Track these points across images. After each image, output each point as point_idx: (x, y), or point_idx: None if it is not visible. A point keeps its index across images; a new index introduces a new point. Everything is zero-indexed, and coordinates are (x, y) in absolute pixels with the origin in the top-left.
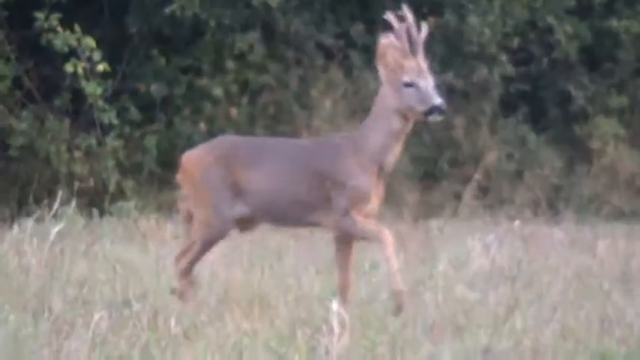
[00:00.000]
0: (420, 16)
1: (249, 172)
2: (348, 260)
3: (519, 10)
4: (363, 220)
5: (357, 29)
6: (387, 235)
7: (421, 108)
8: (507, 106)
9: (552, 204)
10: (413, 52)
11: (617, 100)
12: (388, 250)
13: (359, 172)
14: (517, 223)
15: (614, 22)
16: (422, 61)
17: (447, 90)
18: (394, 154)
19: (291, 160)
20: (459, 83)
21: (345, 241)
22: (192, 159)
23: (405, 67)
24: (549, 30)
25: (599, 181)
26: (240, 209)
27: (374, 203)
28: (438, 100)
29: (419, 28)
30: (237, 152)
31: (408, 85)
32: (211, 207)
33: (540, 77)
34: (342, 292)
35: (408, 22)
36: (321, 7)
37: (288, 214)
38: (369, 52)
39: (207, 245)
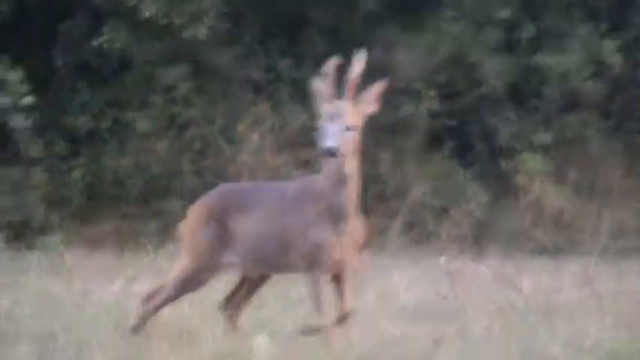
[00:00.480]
0: (349, 51)
1: (239, 218)
2: (342, 299)
3: (446, 45)
4: (321, 283)
5: (285, 64)
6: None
7: (320, 150)
8: (434, 141)
9: (478, 239)
10: (343, 93)
11: (543, 136)
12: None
13: (311, 219)
14: (443, 258)
15: (540, 59)
16: (341, 104)
17: (373, 125)
18: (341, 198)
19: (274, 203)
20: (385, 118)
21: (338, 281)
22: (192, 209)
23: (322, 110)
24: (476, 65)
25: (525, 217)
26: (229, 257)
27: (338, 252)
28: (325, 144)
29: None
30: (229, 199)
31: (319, 128)
32: (198, 254)
33: (467, 112)
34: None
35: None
36: (249, 40)
37: (272, 260)
38: (296, 87)
39: (182, 291)
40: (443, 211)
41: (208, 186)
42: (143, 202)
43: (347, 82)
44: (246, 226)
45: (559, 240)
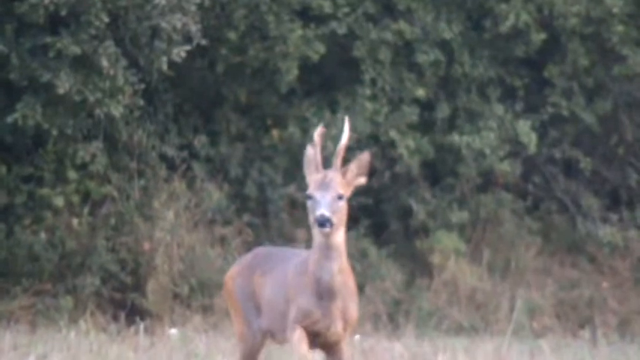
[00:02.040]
0: (264, 128)
1: (261, 281)
2: None
3: (362, 123)
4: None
5: (200, 141)
6: None
7: (313, 219)
8: (349, 219)
9: (393, 318)
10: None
11: (458, 215)
12: None
13: (301, 290)
14: (357, 337)
15: (455, 138)
16: (331, 173)
17: (289, 203)
18: (329, 272)
19: (285, 271)
20: (300, 195)
21: (334, 356)
22: (227, 274)
23: (310, 180)
24: (392, 144)
25: (440, 296)
26: (259, 322)
27: (321, 326)
28: (318, 212)
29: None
30: (257, 262)
31: (309, 197)
32: (241, 318)
33: (382, 191)
34: None
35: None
36: (164, 118)
37: (279, 328)
38: (212, 164)
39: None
40: (358, 289)
41: (123, 262)
42: (57, 277)
43: (335, 152)
44: (264, 290)
45: (474, 319)
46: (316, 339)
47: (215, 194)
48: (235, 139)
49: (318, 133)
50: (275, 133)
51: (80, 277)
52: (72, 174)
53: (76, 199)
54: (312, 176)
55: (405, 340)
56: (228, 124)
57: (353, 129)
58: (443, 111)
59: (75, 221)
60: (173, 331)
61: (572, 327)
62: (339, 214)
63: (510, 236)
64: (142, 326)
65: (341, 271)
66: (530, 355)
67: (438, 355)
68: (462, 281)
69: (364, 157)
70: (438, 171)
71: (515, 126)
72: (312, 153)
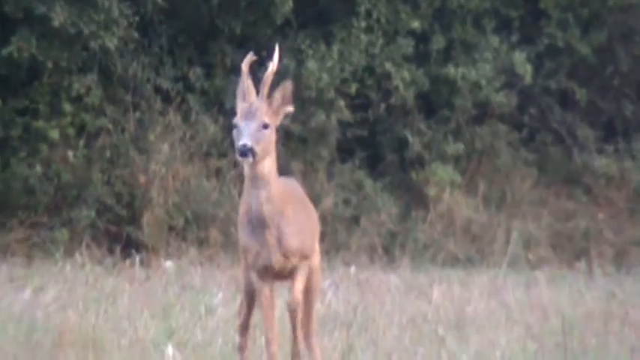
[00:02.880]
0: (259, 61)
1: None
2: (305, 316)
3: (357, 55)
4: (255, 279)
5: (195, 73)
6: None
7: (236, 149)
8: (344, 151)
9: (388, 250)
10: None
11: (454, 147)
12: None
13: (239, 222)
14: (353, 268)
15: (450, 69)
16: (257, 102)
17: (284, 134)
18: (257, 201)
19: None
20: (296, 128)
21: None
22: None
23: (238, 109)
24: (387, 76)
25: (435, 228)
26: None
27: (263, 257)
28: (240, 142)
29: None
30: None
31: (234, 126)
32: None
33: (378, 123)
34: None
35: (252, 62)
36: (159, 50)
37: None
38: (207, 96)
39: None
40: (353, 222)
41: (118, 195)
42: (53, 210)
43: (262, 81)
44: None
45: (469, 251)
46: (268, 275)
47: (210, 127)
48: (230, 71)
49: (246, 61)
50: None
51: (76, 210)
52: (67, 107)
53: (71, 131)
54: (239, 105)
55: (400, 272)
56: (223, 56)
57: (348, 61)
58: (438, 42)
59: (70, 154)
60: (168, 263)
61: (567, 258)
62: (263, 143)
63: (506, 168)
64: (137, 259)
65: (269, 200)
66: (525, 286)
67: (434, 287)
68: (457, 213)
69: (287, 85)
70: (433, 103)
71: (510, 57)
72: (240, 82)
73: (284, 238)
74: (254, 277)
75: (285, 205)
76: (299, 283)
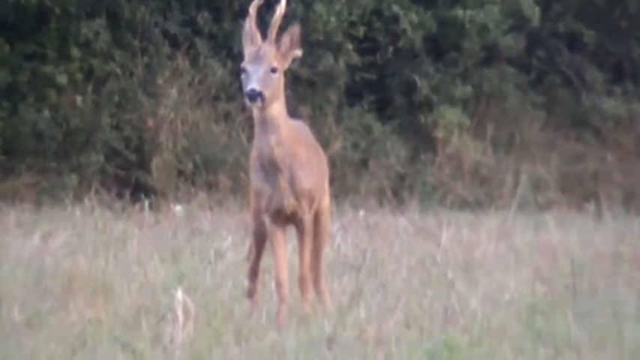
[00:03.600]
0: (267, 4)
1: None
2: (302, 250)
3: None
4: (268, 222)
5: (203, 17)
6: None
7: (244, 93)
8: (353, 95)
9: (397, 193)
10: (267, 36)
11: (462, 90)
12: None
13: (251, 166)
14: (362, 212)
15: (459, 12)
16: (265, 46)
17: (292, 79)
18: (268, 145)
19: None
20: (304, 72)
21: (299, 230)
22: None
23: (245, 53)
24: (395, 19)
25: (444, 171)
26: None
27: (275, 200)
28: (248, 87)
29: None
30: None
31: (242, 70)
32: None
33: (386, 66)
34: (300, 283)
35: (259, 6)
36: None
37: None
38: (215, 40)
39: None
40: (362, 165)
41: (127, 140)
42: (62, 155)
43: (270, 25)
44: None
45: (478, 194)
46: (280, 218)
47: (218, 71)
48: (238, 15)
49: (253, 5)
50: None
51: (84, 155)
52: (75, 52)
53: (79, 76)
54: (247, 49)
55: (409, 215)
56: (231, 0)
57: (356, 4)
58: None
59: (79, 99)
60: (178, 207)
61: (576, 200)
62: (272, 87)
63: (514, 110)
64: (146, 203)
65: (280, 144)
66: (534, 229)
67: (443, 230)
68: (466, 156)
69: (295, 29)
70: (441, 45)
71: None
72: (248, 26)
73: (296, 180)
74: (266, 220)
75: (296, 147)
76: (306, 256)
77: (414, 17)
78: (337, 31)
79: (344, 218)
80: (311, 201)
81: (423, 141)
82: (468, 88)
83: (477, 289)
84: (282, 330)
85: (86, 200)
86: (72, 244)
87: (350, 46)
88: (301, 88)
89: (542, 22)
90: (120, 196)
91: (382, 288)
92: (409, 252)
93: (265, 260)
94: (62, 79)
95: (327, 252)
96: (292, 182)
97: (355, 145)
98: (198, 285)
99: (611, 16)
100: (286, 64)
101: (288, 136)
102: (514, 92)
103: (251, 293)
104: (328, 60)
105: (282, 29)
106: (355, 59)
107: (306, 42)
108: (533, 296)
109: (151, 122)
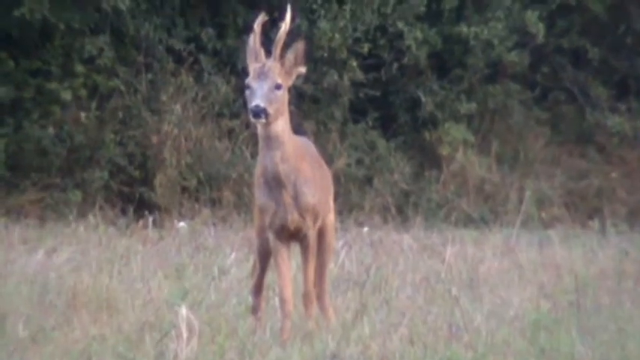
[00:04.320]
0: (271, 21)
1: None
2: (306, 266)
3: (370, 15)
4: (272, 239)
5: (208, 33)
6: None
7: (248, 110)
8: (357, 111)
9: (402, 210)
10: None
11: (466, 106)
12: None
13: (255, 183)
14: (366, 229)
15: (463, 28)
16: (269, 63)
17: (296, 95)
18: (272, 161)
19: None
20: (309, 88)
21: (303, 246)
22: None
23: (250, 69)
24: (399, 36)
25: (449, 187)
26: None
27: (280, 217)
28: (252, 103)
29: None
30: None
31: (247, 87)
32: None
33: (390, 83)
34: (304, 299)
35: (263, 22)
36: (171, 11)
37: None
38: (219, 57)
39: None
40: (366, 182)
41: (131, 156)
42: (66, 172)
43: (274, 42)
44: None
45: (483, 210)
46: (284, 234)
47: (222, 87)
48: (242, 31)
49: (258, 22)
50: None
51: (89, 171)
52: (79, 68)
53: (83, 93)
54: (252, 66)
55: (413, 232)
56: (235, 16)
57: (361, 20)
58: (450, 1)
59: (83, 115)
60: (182, 224)
61: (581, 217)
62: (276, 103)
63: (519, 127)
64: (150, 220)
65: (285, 160)
66: (539, 245)
67: (447, 247)
68: (470, 172)
69: (299, 45)
70: (446, 62)
71: (523, 16)
72: (252, 42)
73: (300, 196)
74: (270, 237)
75: (300, 163)
76: (310, 273)
77: (418, 34)
78: (342, 48)
79: (348, 235)
80: (315, 217)
81: (427, 158)
82: (473, 105)
83: (481, 305)
84: (286, 346)
85: (90, 216)
86: (76, 260)
87: (354, 63)
88: (305, 104)
89: (547, 38)
90: (124, 212)
91: (386, 304)
92: (413, 268)
93: (269, 277)
94: (66, 96)
95: (331, 268)
96: (296, 198)
97: (359, 162)
98: (202, 301)
99: (615, 32)
100: (290, 81)
101: (292, 152)
102: (518, 108)
103: (255, 310)
104: (332, 76)
105: (286, 46)
106: (360, 76)
107: (310, 58)
108: (537, 312)
109: (154, 138)
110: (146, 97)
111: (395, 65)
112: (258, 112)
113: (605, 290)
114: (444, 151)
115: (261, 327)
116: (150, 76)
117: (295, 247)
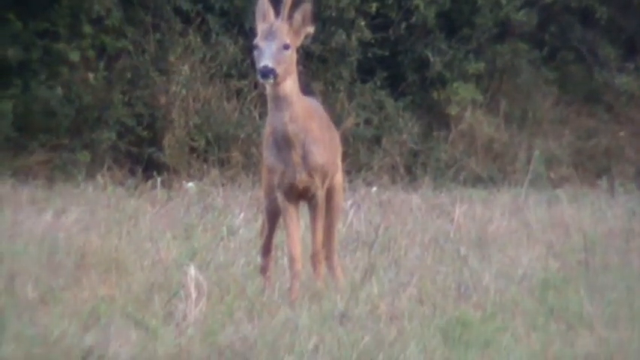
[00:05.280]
0: None
1: None
2: (314, 226)
3: None
4: (281, 199)
5: None
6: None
7: (257, 70)
8: (365, 71)
9: (410, 170)
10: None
11: (475, 66)
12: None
13: (264, 143)
14: (374, 188)
15: None
16: (277, 23)
17: (304, 55)
18: (281, 121)
19: None
20: (317, 48)
21: (312, 206)
22: None
23: (258, 30)
24: None
25: (457, 147)
26: None
27: (288, 176)
28: (261, 63)
29: None
30: None
31: (255, 47)
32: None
33: (398, 42)
34: (312, 259)
35: None
36: None
37: None
38: (227, 17)
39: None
40: (375, 142)
41: (139, 117)
42: (74, 132)
43: (283, 2)
44: None
45: (491, 170)
46: (292, 194)
47: (230, 48)
48: None
49: None
50: None
51: (97, 132)
52: (87, 28)
53: (91, 53)
54: (260, 26)
55: (422, 192)
56: None
57: None
58: None
59: (91, 76)
60: (190, 184)
61: (589, 176)
62: (284, 64)
63: (527, 86)
64: (159, 180)
65: (293, 120)
66: (547, 205)
67: (456, 206)
68: (479, 132)
69: (307, 5)
70: (454, 21)
71: None
72: (260, 2)
73: (309, 156)
74: (279, 196)
75: (309, 123)
76: (318, 232)
77: None
78: (349, 8)
79: (356, 195)
80: (324, 177)
81: (436, 117)
82: (481, 64)
83: (489, 265)
84: (294, 306)
85: (99, 177)
86: (84, 221)
87: (362, 23)
88: (313, 64)
89: None
90: (132, 172)
91: (395, 264)
92: (422, 228)
93: (278, 237)
94: (74, 56)
95: (339, 228)
96: (305, 158)
97: (368, 122)
98: (210, 261)
99: None
100: (299, 41)
101: (301, 113)
102: (527, 68)
103: (264, 269)
104: (340, 36)
105: (294, 6)
106: (367, 35)
107: (318, 18)
108: (545, 272)
109: (162, 99)
110: (154, 57)
111: (403, 25)
112: (267, 73)
113: (613, 249)
114: (453, 110)
115: (270, 287)
116: (158, 36)
117: (304, 208)
